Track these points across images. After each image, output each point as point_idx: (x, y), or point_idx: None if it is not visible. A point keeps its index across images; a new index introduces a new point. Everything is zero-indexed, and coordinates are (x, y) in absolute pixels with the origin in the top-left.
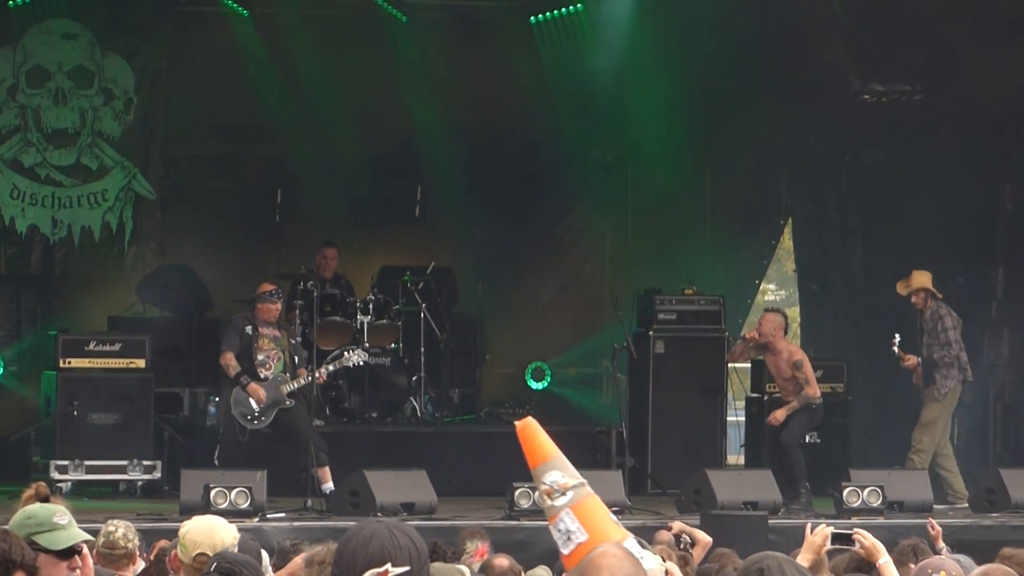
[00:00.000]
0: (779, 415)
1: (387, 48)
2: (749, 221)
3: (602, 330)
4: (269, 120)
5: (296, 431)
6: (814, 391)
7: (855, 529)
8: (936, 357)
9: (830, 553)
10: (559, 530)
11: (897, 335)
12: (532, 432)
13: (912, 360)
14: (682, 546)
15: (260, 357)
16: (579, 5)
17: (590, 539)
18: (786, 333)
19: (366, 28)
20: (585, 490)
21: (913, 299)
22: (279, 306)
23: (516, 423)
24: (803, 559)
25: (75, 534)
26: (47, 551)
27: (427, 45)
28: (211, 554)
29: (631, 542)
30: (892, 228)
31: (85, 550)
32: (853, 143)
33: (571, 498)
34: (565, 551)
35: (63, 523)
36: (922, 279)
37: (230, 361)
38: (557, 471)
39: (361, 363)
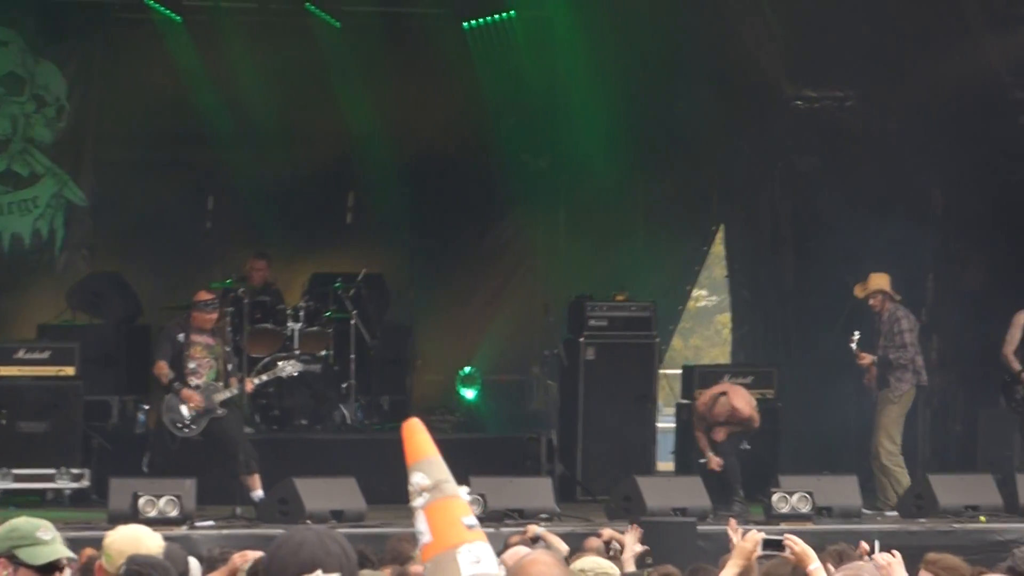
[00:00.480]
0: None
1: (321, 54)
2: (681, 227)
3: (533, 336)
4: (202, 127)
5: (227, 439)
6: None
7: (785, 535)
8: (892, 358)
9: (761, 559)
10: (416, 529)
11: (857, 332)
12: (411, 433)
13: (867, 359)
14: (611, 552)
15: (192, 365)
16: (511, 12)
17: (433, 541)
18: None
19: (300, 34)
20: (441, 493)
21: (871, 301)
22: (215, 315)
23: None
24: (733, 565)
25: (57, 550)
26: (28, 566)
27: (361, 51)
28: None
29: (483, 547)
30: (823, 234)
31: (66, 567)
32: (785, 149)
33: (425, 500)
34: (418, 549)
35: (46, 538)
36: (879, 281)
37: (163, 369)
38: (422, 472)
39: (295, 374)
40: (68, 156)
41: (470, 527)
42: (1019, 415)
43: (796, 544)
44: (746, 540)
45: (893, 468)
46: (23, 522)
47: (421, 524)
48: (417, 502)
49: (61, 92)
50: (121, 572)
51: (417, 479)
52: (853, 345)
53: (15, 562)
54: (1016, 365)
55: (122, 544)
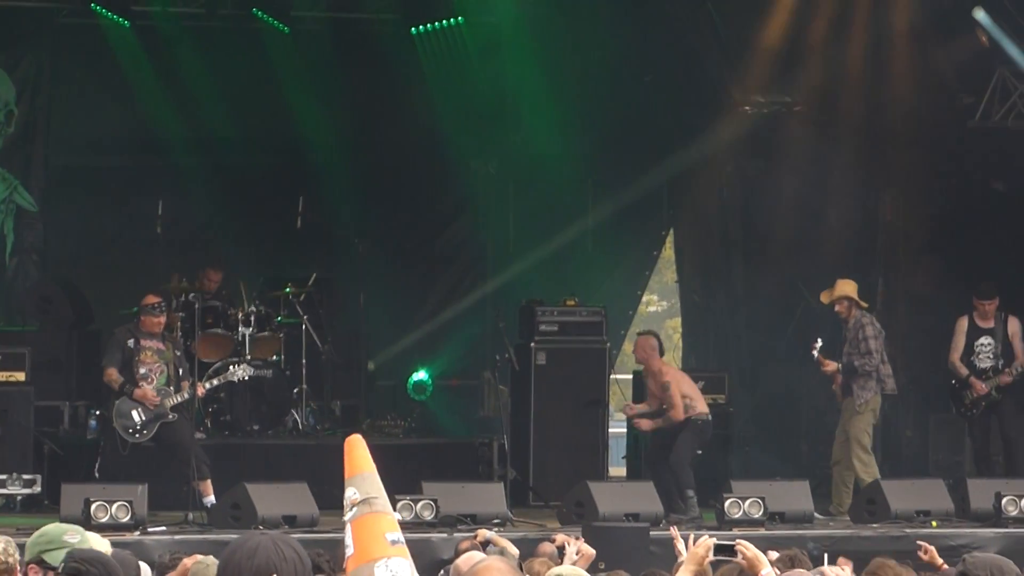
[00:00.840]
0: (643, 424)
1: (270, 60)
2: (631, 232)
3: (484, 341)
4: (152, 131)
5: (178, 444)
6: (677, 414)
7: (737, 541)
8: (856, 365)
9: (714, 564)
10: (345, 541)
11: (819, 339)
12: (351, 448)
13: (831, 366)
14: (564, 558)
15: (142, 371)
16: (460, 19)
17: (355, 554)
18: (662, 354)
19: (249, 40)
20: (369, 508)
21: (836, 307)
22: (163, 319)
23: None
24: (686, 571)
25: None
26: (52, 568)
27: (310, 57)
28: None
29: (402, 563)
30: (773, 239)
31: None
32: (734, 154)
33: (354, 514)
34: (345, 560)
35: (73, 541)
36: (845, 288)
37: (113, 376)
38: (354, 487)
39: (246, 378)
40: (17, 161)
41: (393, 543)
42: (968, 421)
43: (748, 549)
44: (698, 546)
45: (868, 480)
46: (52, 527)
47: (348, 537)
48: (347, 515)
49: (10, 97)
50: (60, 569)
51: (349, 493)
52: (815, 352)
53: (44, 566)
54: (963, 371)
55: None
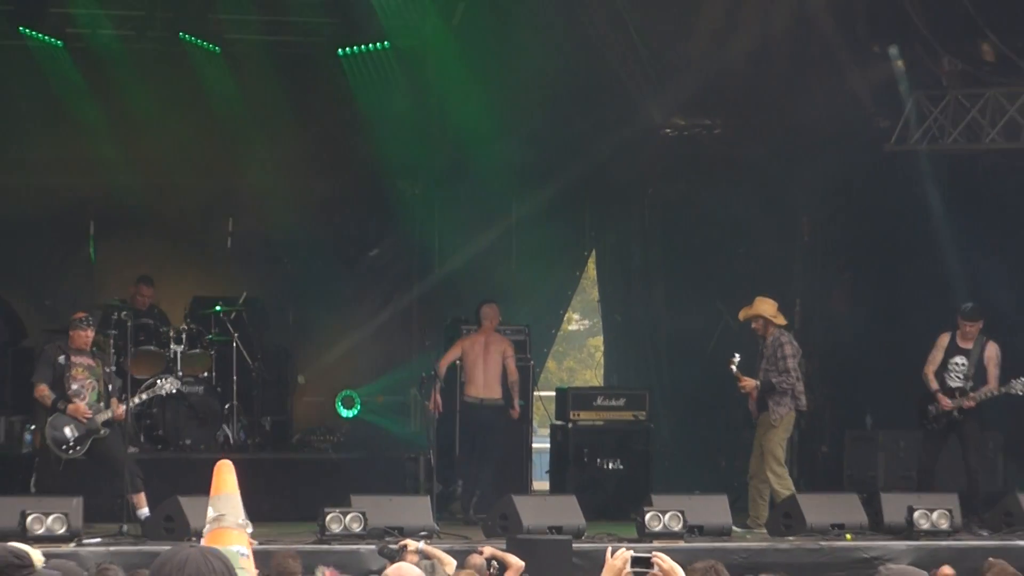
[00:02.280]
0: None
1: (201, 79)
2: (554, 252)
3: (411, 359)
4: (84, 151)
5: (111, 458)
6: None
7: (654, 552)
8: (775, 382)
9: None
10: None
11: (737, 355)
12: (218, 471)
13: (749, 383)
14: (491, 570)
15: (74, 387)
16: (386, 43)
17: None
18: None
19: (179, 61)
20: (219, 524)
21: (753, 325)
22: (91, 333)
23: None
24: None
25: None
26: None
27: (241, 78)
28: None
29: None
30: (693, 259)
31: None
32: (655, 176)
33: (208, 529)
34: None
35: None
36: (763, 306)
37: (44, 392)
38: (212, 507)
39: (174, 391)
40: None
41: (241, 555)
42: (924, 433)
43: (664, 561)
44: (615, 558)
45: (783, 492)
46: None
47: None
48: (204, 530)
49: None
50: None
51: (208, 511)
52: (733, 368)
53: None
54: (934, 385)
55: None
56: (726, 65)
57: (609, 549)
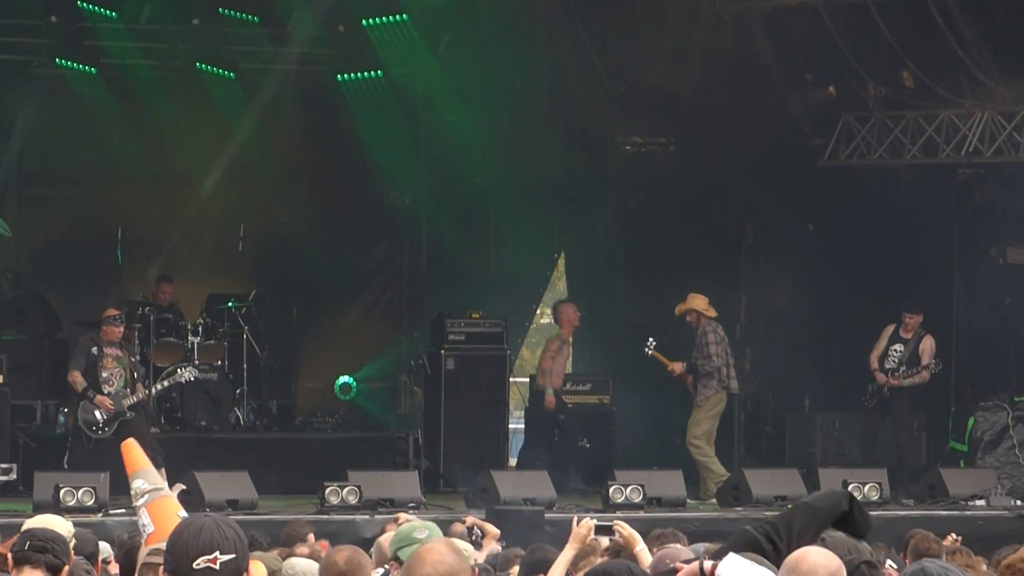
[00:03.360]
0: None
1: (216, 104)
2: (527, 255)
3: (401, 349)
4: (115, 165)
5: (136, 438)
6: None
7: (615, 521)
8: (699, 366)
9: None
10: (139, 523)
11: (652, 340)
12: (129, 449)
13: (676, 366)
14: (474, 537)
15: (104, 375)
16: (379, 72)
17: (156, 531)
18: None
19: (199, 84)
20: (159, 494)
21: (687, 318)
22: (122, 329)
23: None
24: (570, 548)
25: None
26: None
27: (253, 98)
28: None
29: None
30: (651, 260)
31: None
32: (617, 188)
33: (147, 499)
34: (143, 538)
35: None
36: (694, 301)
37: (77, 379)
38: (141, 479)
39: (192, 379)
40: None
41: (183, 518)
42: (865, 411)
43: (624, 529)
44: (580, 526)
45: (704, 460)
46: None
47: (144, 519)
48: (140, 501)
49: None
50: (24, 548)
51: (138, 484)
52: (649, 351)
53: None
54: (874, 365)
55: (35, 526)
56: (678, 90)
57: (575, 518)
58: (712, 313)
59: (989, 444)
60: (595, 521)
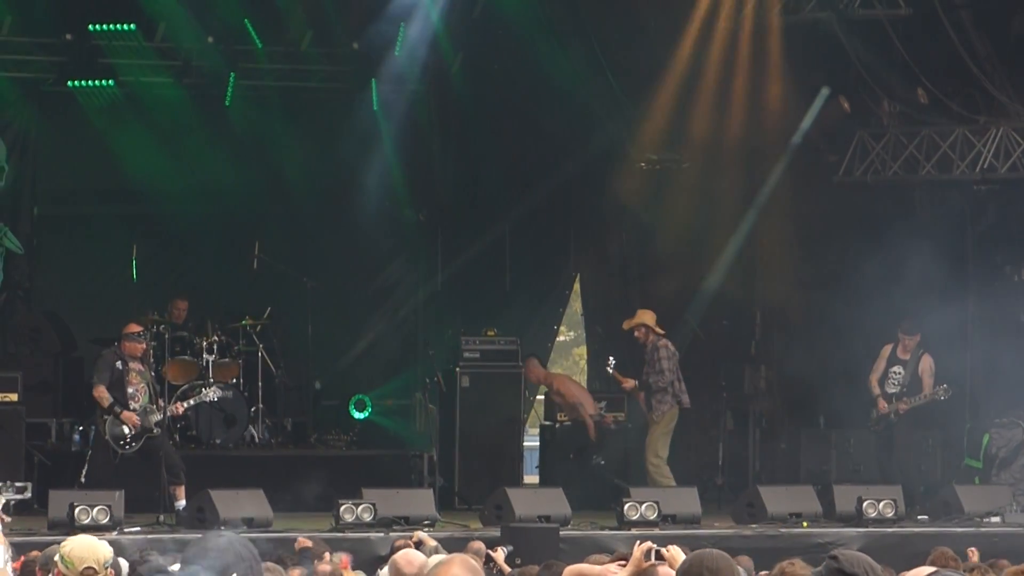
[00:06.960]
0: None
1: (232, 118)
2: (544, 273)
3: (416, 366)
4: (128, 182)
5: (161, 454)
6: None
7: (668, 546)
8: (651, 382)
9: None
10: None
11: (612, 358)
12: None
13: (629, 383)
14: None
15: (130, 390)
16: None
17: None
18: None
19: (215, 101)
20: None
21: (636, 333)
22: (144, 345)
23: None
24: (628, 572)
25: None
26: None
27: (268, 117)
28: (97, 567)
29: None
30: (665, 277)
31: None
32: (631, 203)
33: None
34: None
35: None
36: (643, 316)
37: (103, 393)
38: None
39: (216, 399)
40: (7, 210)
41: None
42: (875, 434)
43: (673, 554)
44: (638, 549)
45: (661, 480)
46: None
47: None
48: None
49: (2, 156)
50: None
51: None
52: (609, 370)
53: None
54: (876, 391)
55: (81, 551)
56: (691, 107)
57: (638, 543)
58: (660, 330)
59: (1004, 461)
60: (652, 545)
